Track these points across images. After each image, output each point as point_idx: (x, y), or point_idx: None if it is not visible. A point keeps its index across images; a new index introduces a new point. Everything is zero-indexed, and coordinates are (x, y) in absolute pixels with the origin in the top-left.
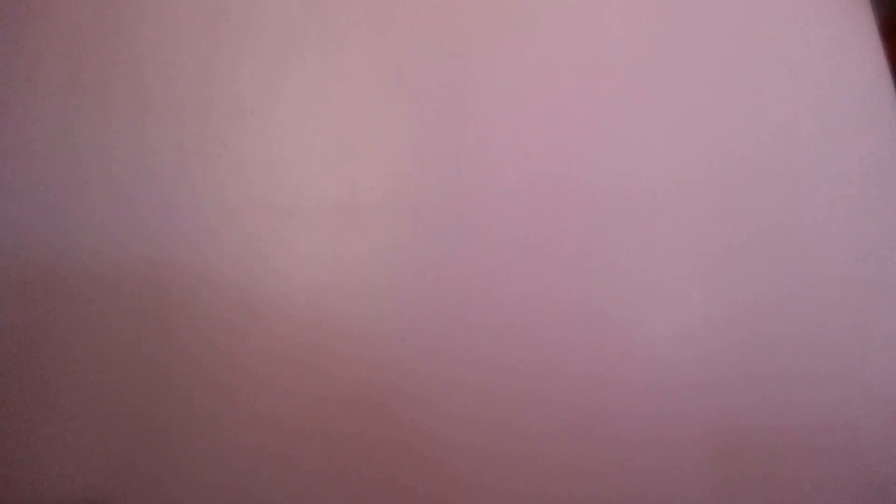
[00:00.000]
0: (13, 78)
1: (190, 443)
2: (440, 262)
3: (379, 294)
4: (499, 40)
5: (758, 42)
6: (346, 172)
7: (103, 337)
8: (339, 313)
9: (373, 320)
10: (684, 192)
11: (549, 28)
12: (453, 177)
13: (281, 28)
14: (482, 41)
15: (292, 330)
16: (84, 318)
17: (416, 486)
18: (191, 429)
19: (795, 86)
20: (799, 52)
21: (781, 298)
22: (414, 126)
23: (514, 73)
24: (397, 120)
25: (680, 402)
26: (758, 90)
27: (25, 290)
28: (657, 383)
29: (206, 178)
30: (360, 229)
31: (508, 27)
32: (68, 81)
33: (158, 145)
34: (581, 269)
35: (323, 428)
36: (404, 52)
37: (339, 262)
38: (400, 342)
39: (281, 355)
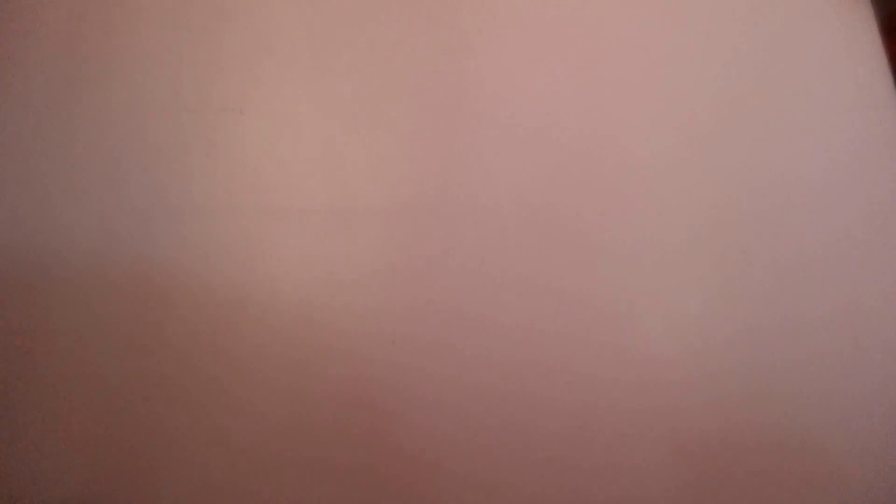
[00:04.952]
0: None
1: (181, 441)
2: (432, 263)
3: (370, 294)
4: (492, 38)
5: (757, 36)
6: (337, 172)
7: (93, 335)
8: (331, 313)
9: (365, 319)
10: (680, 184)
11: (543, 24)
12: (445, 176)
13: (270, 25)
14: (475, 39)
15: (284, 330)
16: (73, 315)
17: (405, 484)
18: (182, 427)
19: (795, 83)
20: (798, 48)
21: (780, 293)
22: (405, 125)
23: (507, 71)
24: (388, 119)
25: (676, 399)
26: (755, 86)
27: (12, 286)
28: (653, 379)
29: (194, 178)
30: (350, 229)
31: (501, 25)
32: (55, 79)
33: (145, 143)
34: (577, 267)
35: (316, 427)
36: (395, 51)
37: (330, 263)
38: (391, 345)
39: (273, 355)
